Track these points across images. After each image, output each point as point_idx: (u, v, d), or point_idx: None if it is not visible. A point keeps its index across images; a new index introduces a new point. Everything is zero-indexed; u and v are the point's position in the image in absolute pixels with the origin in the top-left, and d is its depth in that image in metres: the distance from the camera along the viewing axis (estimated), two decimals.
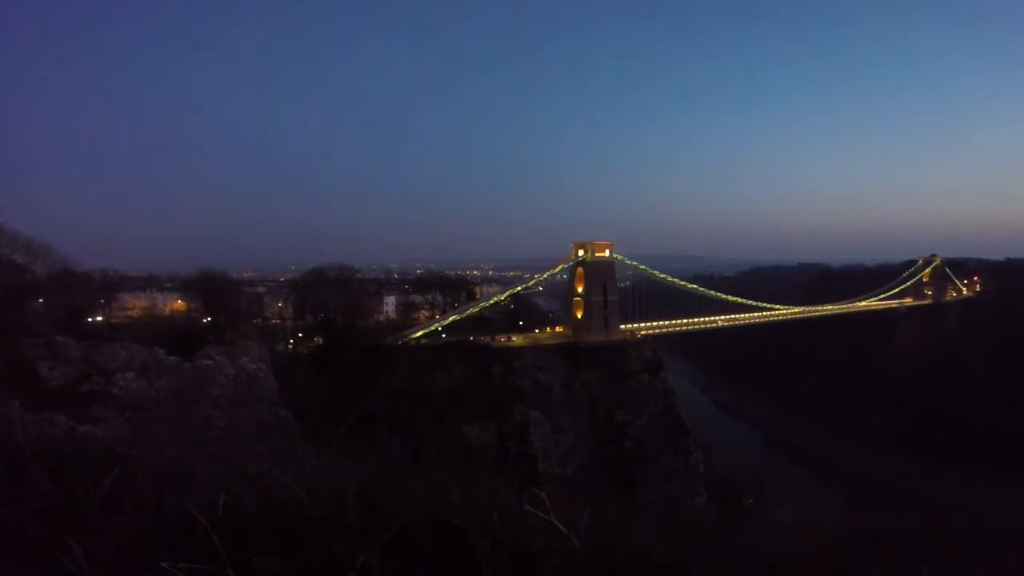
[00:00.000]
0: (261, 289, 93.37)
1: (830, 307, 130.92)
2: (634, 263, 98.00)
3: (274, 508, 3.80)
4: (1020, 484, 67.26)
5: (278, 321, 78.84)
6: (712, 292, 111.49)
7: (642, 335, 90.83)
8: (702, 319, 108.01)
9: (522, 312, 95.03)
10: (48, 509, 3.56)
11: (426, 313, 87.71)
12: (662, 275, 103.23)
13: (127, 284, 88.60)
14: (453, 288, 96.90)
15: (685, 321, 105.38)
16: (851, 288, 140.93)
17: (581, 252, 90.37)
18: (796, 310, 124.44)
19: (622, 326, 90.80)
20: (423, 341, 77.08)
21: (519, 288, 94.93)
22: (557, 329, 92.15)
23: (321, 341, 71.33)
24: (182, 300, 76.12)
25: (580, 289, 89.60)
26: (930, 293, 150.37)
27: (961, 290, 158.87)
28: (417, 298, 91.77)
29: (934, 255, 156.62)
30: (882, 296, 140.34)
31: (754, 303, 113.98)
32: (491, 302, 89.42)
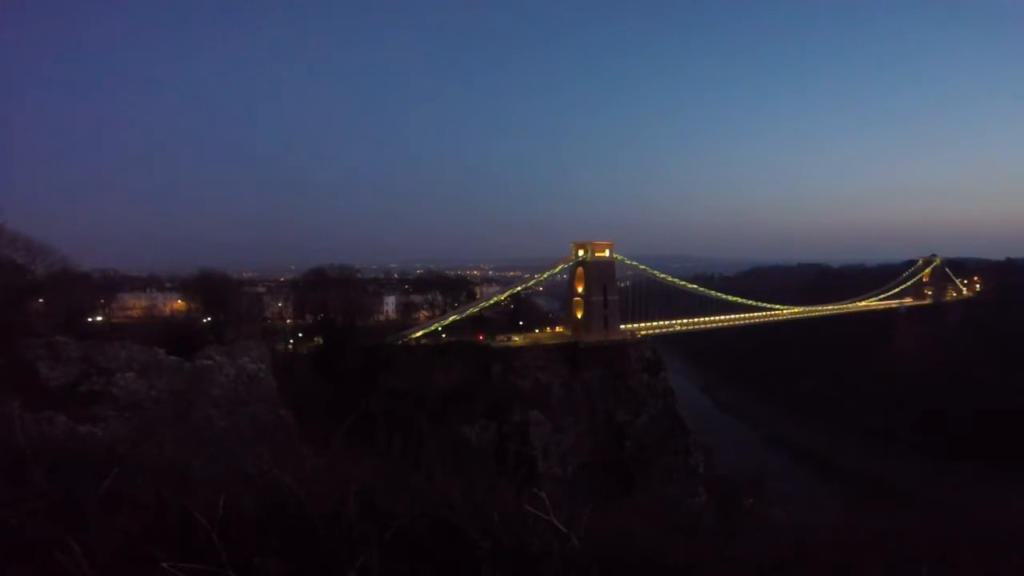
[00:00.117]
0: (261, 289, 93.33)
1: (830, 307, 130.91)
2: (634, 263, 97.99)
3: (274, 508, 3.80)
4: (1020, 484, 67.39)
5: (278, 321, 78.88)
6: (712, 292, 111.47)
7: (642, 335, 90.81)
8: (702, 319, 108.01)
9: (522, 312, 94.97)
10: (48, 509, 3.56)
11: (426, 313, 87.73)
12: (662, 275, 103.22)
13: (127, 284, 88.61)
14: (453, 288, 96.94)
15: (685, 321, 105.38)
16: (851, 288, 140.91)
17: (581, 252, 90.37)
18: (796, 310, 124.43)
19: (622, 326, 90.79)
20: (423, 341, 77.10)
21: (519, 288, 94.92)
22: (557, 329, 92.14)
23: (321, 341, 71.35)
24: (182, 300, 76.10)
25: (580, 289, 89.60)
26: (930, 293, 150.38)
27: (961, 290, 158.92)
28: (417, 298, 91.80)
29: (934, 255, 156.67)
30: (882, 296, 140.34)
31: (754, 303, 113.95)
32: (491, 302, 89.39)
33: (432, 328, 79.67)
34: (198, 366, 24.83)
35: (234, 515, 3.51)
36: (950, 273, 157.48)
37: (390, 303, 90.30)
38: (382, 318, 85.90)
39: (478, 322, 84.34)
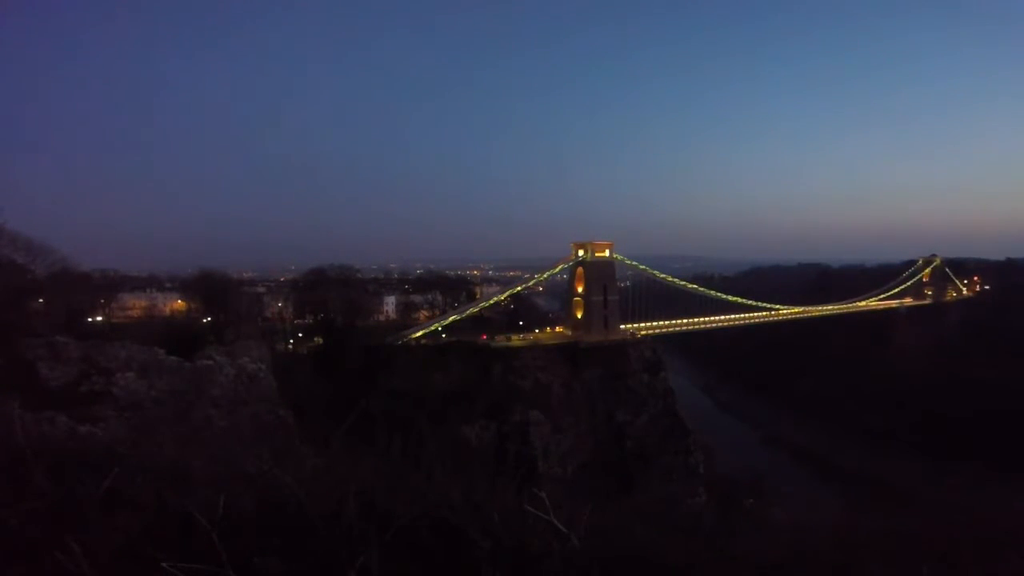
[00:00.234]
0: (261, 289, 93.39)
1: (830, 307, 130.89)
2: (634, 263, 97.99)
3: (274, 508, 3.80)
4: (1020, 484, 67.29)
5: (278, 321, 78.82)
6: (712, 292, 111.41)
7: (642, 335, 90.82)
8: (702, 319, 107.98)
9: (522, 312, 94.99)
10: (48, 509, 3.56)
11: (426, 313, 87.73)
12: (662, 275, 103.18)
13: (127, 284, 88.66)
14: (453, 288, 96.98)
15: (685, 321, 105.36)
16: (851, 288, 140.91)
17: (581, 252, 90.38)
18: (796, 310, 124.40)
19: (622, 326, 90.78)
20: (423, 341, 77.06)
21: (519, 288, 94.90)
22: (557, 329, 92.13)
23: (321, 341, 71.32)
24: (182, 300, 76.09)
25: (580, 289, 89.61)
26: (930, 293, 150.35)
27: (961, 290, 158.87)
28: (417, 298, 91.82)
29: (934, 255, 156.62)
30: (882, 296, 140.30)
31: (754, 303, 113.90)
32: (491, 302, 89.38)
33: (432, 328, 79.65)
34: (198, 366, 24.81)
35: (234, 515, 3.51)
36: (950, 273, 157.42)
37: (390, 303, 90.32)
38: (382, 318, 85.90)
39: (478, 322, 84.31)
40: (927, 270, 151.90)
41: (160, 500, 3.72)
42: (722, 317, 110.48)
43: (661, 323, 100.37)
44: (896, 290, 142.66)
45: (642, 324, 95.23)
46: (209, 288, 71.71)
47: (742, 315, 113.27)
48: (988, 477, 77.53)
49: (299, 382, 45.85)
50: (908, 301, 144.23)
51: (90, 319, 60.09)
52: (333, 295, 78.46)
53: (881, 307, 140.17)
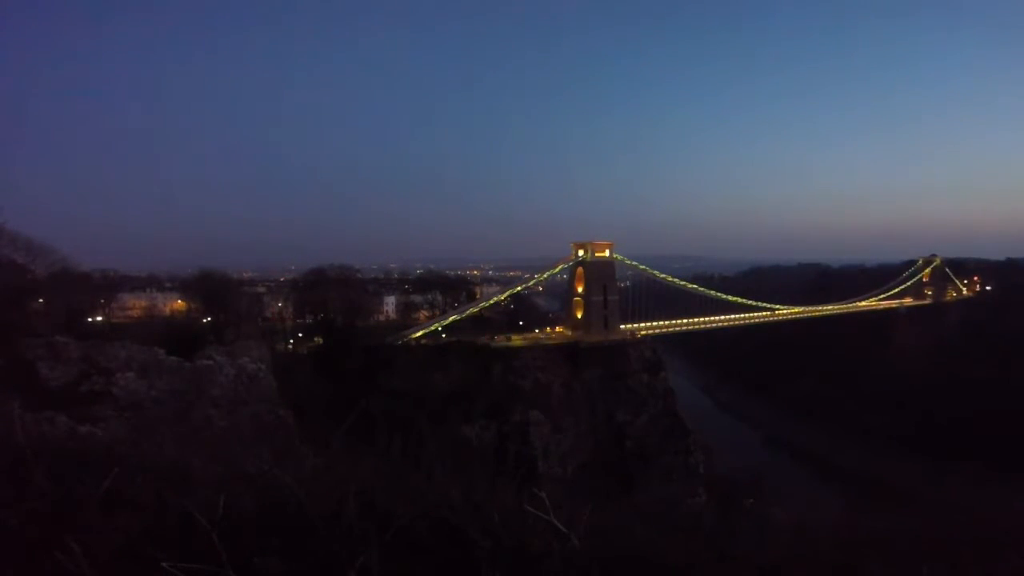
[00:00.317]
0: (261, 289, 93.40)
1: (830, 307, 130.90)
2: (634, 263, 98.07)
3: (274, 508, 3.80)
4: (1020, 484, 67.31)
5: (278, 321, 78.83)
6: (712, 292, 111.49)
7: (642, 335, 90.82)
8: (702, 319, 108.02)
9: (522, 312, 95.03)
10: (48, 509, 3.56)
11: (426, 313, 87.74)
12: (662, 275, 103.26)
13: (127, 284, 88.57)
14: (453, 288, 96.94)
15: (685, 321, 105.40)
16: (851, 288, 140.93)
17: (581, 252, 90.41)
18: (796, 310, 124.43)
19: (622, 326, 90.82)
20: (423, 341, 77.09)
21: (519, 288, 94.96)
22: (557, 329, 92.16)
23: (321, 341, 71.34)
24: (182, 300, 76.12)
25: (580, 289, 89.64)
26: (930, 293, 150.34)
27: (961, 290, 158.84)
28: (417, 298, 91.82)
29: (934, 255, 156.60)
30: (882, 296, 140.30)
31: (754, 303, 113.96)
32: (491, 302, 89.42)
33: (432, 328, 79.68)
34: (198, 366, 24.78)
35: (234, 515, 3.51)
36: (950, 273, 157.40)
37: (390, 303, 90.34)
38: (382, 318, 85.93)
39: (478, 322, 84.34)
40: (927, 270, 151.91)
41: (160, 500, 3.72)
42: (722, 317, 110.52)
43: (661, 323, 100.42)
44: (896, 290, 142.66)
45: (642, 324, 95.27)
46: (209, 288, 71.75)
47: (742, 315, 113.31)
48: (988, 477, 77.57)
49: (299, 382, 45.83)
50: (908, 301, 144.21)
51: (90, 319, 60.12)
52: (333, 295, 78.47)
53: (881, 307, 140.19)
